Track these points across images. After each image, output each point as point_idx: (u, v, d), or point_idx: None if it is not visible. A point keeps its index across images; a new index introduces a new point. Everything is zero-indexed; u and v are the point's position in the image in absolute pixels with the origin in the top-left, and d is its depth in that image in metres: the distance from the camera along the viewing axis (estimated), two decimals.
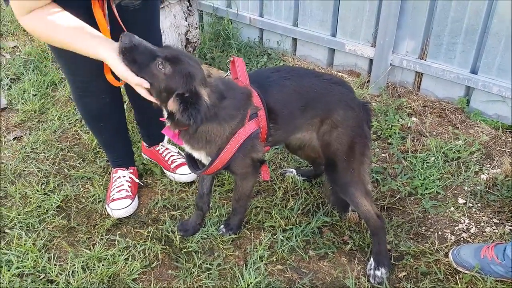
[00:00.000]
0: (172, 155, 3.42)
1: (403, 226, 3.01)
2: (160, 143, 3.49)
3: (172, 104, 2.16)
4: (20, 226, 3.05)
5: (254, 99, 2.39)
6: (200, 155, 2.53)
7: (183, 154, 3.38)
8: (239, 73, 2.51)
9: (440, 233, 2.98)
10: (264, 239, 2.91)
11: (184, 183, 3.37)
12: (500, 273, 2.57)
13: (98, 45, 2.15)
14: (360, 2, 4.05)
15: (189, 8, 4.16)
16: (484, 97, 3.76)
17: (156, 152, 3.46)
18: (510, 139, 3.66)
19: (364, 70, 4.34)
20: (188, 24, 4.14)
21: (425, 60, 3.93)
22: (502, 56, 3.52)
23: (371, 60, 4.22)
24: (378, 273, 2.66)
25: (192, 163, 2.66)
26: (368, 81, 4.28)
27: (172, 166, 3.36)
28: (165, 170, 3.43)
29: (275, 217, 3.06)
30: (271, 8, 4.65)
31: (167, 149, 3.47)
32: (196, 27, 4.23)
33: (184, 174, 3.31)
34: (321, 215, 3.06)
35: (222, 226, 3.01)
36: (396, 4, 3.77)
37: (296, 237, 2.91)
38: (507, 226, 2.96)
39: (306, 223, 3.01)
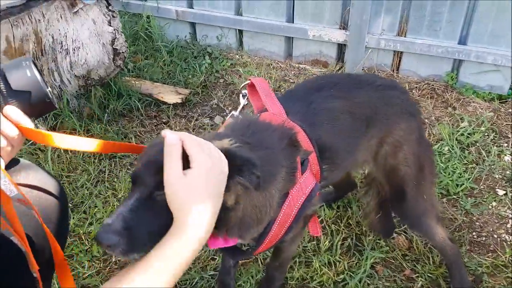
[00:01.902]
0: None
1: (452, 237, 2.60)
2: None
3: None
4: None
5: (300, 141, 1.74)
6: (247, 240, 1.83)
7: None
8: (265, 101, 1.84)
9: (495, 235, 2.68)
10: None
11: None
12: None
13: None
14: None
15: (110, 8, 3.23)
16: (475, 69, 3.51)
17: None
18: (511, 110, 3.45)
19: (331, 58, 3.84)
20: (114, 30, 3.23)
21: (405, 36, 3.54)
22: (495, 20, 3.25)
23: (339, 46, 3.73)
24: None
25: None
26: (339, 69, 3.79)
27: None
28: None
29: (316, 267, 2.45)
30: None
31: None
32: (122, 32, 3.34)
33: None
34: (370, 251, 2.53)
35: None
36: None
37: None
38: None
39: (356, 266, 2.47)
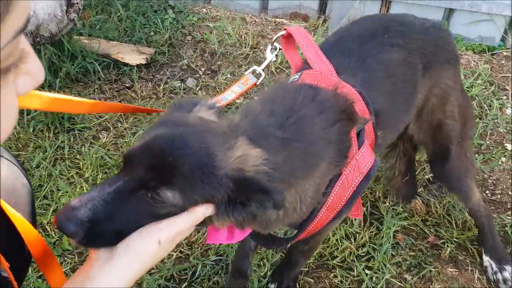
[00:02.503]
0: None
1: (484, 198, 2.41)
2: None
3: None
4: None
5: (357, 111, 1.41)
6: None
7: None
8: (309, 56, 1.50)
9: (510, 192, 2.49)
10: (338, 280, 2.03)
11: None
12: None
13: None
14: None
15: None
16: (466, 19, 3.32)
17: None
18: (503, 61, 3.30)
19: (313, 10, 3.49)
20: None
21: None
22: None
23: None
24: (506, 274, 2.11)
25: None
26: (323, 23, 3.45)
27: None
28: None
29: (334, 242, 2.16)
30: None
31: None
32: None
33: None
34: (390, 219, 2.27)
35: (271, 285, 2.01)
36: None
37: (380, 264, 2.10)
38: None
39: (376, 237, 2.22)
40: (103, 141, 2.65)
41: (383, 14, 1.71)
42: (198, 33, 3.43)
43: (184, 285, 2.03)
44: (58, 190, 2.36)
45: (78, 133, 2.69)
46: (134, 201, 1.05)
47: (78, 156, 2.56)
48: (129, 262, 1.03)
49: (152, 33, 3.37)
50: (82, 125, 2.72)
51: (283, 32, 1.57)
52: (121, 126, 2.76)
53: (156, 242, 1.04)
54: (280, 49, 1.63)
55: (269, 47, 1.62)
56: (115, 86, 3.03)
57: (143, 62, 3.12)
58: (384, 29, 1.64)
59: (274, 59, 1.64)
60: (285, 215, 1.28)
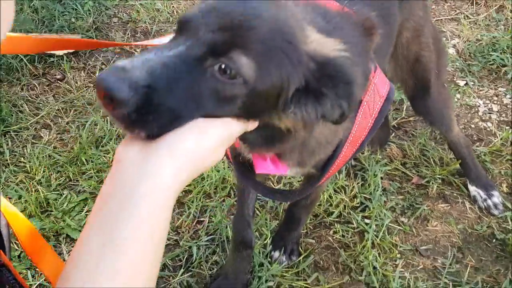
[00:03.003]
0: None
1: (427, 135, 2.47)
2: None
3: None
4: None
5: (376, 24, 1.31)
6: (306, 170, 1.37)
7: None
8: None
9: (473, 125, 2.63)
10: (339, 235, 1.98)
11: None
12: None
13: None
14: None
15: None
16: None
17: None
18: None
19: None
20: None
21: None
22: None
23: None
24: (495, 199, 2.16)
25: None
26: None
27: None
28: None
29: (326, 198, 2.09)
30: None
31: None
32: None
33: None
34: (373, 166, 2.24)
35: (275, 252, 1.90)
36: None
37: (376, 211, 2.07)
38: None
39: (364, 187, 2.20)
40: (46, 139, 2.36)
41: None
42: (124, 14, 3.17)
43: (181, 271, 1.85)
44: (10, 198, 2.05)
45: (15, 135, 2.38)
46: (198, 73, 0.83)
47: (22, 159, 2.25)
48: (175, 162, 0.77)
49: (73, 20, 3.06)
50: (17, 126, 2.40)
51: None
52: (62, 121, 2.48)
53: (212, 138, 0.83)
54: None
55: None
56: (44, 80, 2.71)
57: (71, 50, 2.82)
58: None
59: None
60: (329, 139, 1.17)
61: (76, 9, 3.11)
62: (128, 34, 3.03)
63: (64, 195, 2.13)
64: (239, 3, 0.88)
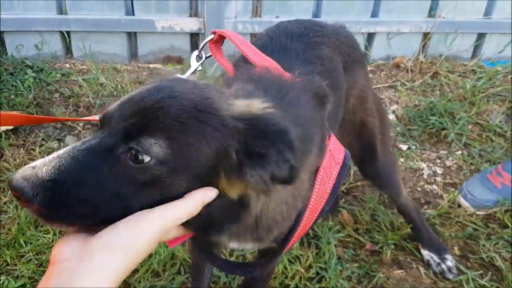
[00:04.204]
0: None
1: (376, 199, 2.51)
2: None
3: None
4: None
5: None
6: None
7: None
8: (250, 55, 1.35)
9: (419, 188, 2.72)
10: None
11: None
12: None
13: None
14: None
15: None
16: None
17: None
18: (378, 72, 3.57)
19: (185, 52, 3.42)
20: None
21: (261, 17, 3.36)
22: None
23: (192, 36, 3.35)
24: (449, 263, 2.19)
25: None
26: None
27: None
28: None
29: (281, 270, 2.03)
30: None
31: None
32: None
33: None
34: (326, 234, 2.22)
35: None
36: None
37: (333, 281, 2.04)
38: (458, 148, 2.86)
39: (319, 255, 2.17)
40: None
41: (296, 19, 1.72)
42: (66, 89, 3.11)
43: None
44: None
45: None
46: (111, 163, 0.85)
47: None
48: (110, 259, 0.78)
49: (12, 96, 2.96)
50: None
51: (212, 35, 1.44)
52: None
53: (146, 234, 0.81)
54: (207, 57, 1.47)
55: (195, 53, 1.45)
56: None
57: (10, 128, 2.72)
58: (306, 29, 1.62)
59: (200, 68, 1.47)
60: (287, 213, 1.13)
61: (15, 86, 3.02)
62: (70, 109, 2.96)
63: (1, 281, 1.96)
64: (152, 91, 0.89)
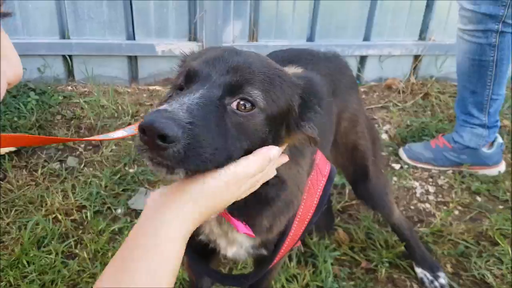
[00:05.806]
0: None
1: (370, 218, 2.56)
2: None
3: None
4: None
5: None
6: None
7: None
8: None
9: (412, 207, 2.76)
10: None
11: None
12: (452, 158, 2.91)
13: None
14: None
15: None
16: None
17: None
18: (371, 93, 3.65)
19: None
20: None
21: (257, 41, 3.44)
22: (340, 14, 3.40)
23: None
24: (441, 281, 2.23)
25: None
26: None
27: None
28: None
29: None
30: (17, 20, 3.14)
31: None
32: None
33: None
34: (322, 252, 2.26)
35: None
36: None
37: None
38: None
39: (316, 274, 2.21)
40: None
41: (287, 48, 1.81)
42: (68, 111, 3.17)
43: None
44: None
45: None
46: (222, 110, 0.96)
47: None
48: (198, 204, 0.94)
49: (15, 119, 3.01)
50: None
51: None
52: (2, 222, 2.36)
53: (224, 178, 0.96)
54: None
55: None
56: None
57: (13, 149, 2.76)
58: (296, 57, 1.70)
59: None
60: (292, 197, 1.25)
61: (18, 108, 3.08)
62: (72, 131, 3.01)
63: None
64: (233, 52, 1.05)
